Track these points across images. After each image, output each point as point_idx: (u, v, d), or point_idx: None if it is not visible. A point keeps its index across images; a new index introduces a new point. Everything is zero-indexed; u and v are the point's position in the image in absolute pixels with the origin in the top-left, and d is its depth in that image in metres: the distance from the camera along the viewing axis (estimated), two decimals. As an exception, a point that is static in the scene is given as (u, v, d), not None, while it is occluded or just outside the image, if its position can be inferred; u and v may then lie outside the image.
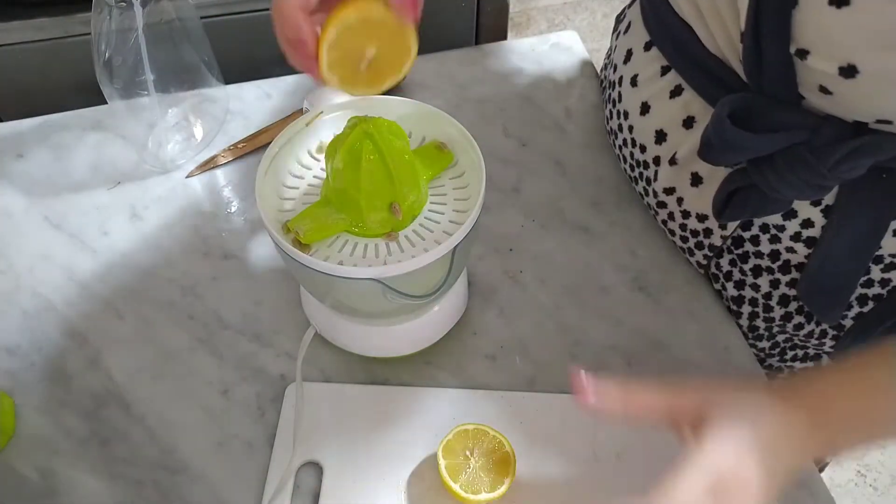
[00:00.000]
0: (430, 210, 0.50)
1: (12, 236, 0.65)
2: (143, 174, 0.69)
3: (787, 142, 0.44)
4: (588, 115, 0.74)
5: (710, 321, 0.60)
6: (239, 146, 0.71)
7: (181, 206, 0.67)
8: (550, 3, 2.23)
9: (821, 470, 0.78)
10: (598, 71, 0.77)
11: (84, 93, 0.71)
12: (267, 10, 0.87)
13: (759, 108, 0.45)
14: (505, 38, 0.97)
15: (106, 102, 0.66)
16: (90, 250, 0.64)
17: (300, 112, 0.71)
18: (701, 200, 0.56)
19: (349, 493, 0.51)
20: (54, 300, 0.61)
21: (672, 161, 0.56)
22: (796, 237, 0.52)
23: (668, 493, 0.40)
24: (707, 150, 0.47)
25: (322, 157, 0.53)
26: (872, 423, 0.44)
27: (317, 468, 0.53)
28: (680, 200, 0.58)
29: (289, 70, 0.76)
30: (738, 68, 0.47)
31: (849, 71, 0.39)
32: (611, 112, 0.65)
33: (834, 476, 1.43)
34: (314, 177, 0.52)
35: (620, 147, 0.65)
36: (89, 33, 0.61)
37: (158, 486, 0.52)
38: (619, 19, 0.67)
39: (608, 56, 0.69)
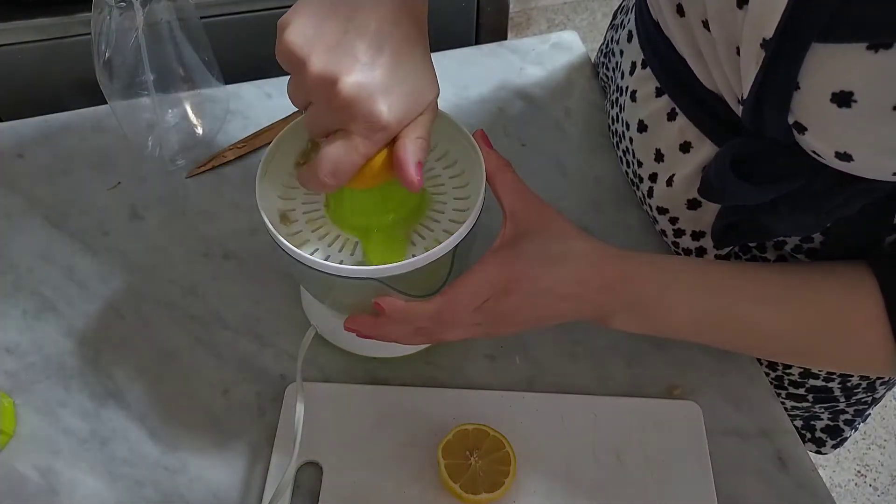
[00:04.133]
0: (430, 210, 0.50)
1: (12, 236, 0.65)
2: (143, 174, 0.69)
3: (787, 189, 0.44)
4: (588, 115, 0.74)
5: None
6: (239, 146, 0.71)
7: (181, 206, 0.67)
8: (550, 3, 2.23)
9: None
10: (597, 66, 0.77)
11: (84, 93, 0.71)
12: (267, 9, 0.88)
13: (760, 155, 0.45)
14: (505, 38, 0.98)
15: (106, 102, 0.66)
16: (90, 250, 0.64)
17: (300, 112, 0.71)
18: (697, 222, 0.56)
19: (349, 493, 0.51)
20: (54, 300, 0.61)
21: (669, 182, 0.56)
22: (797, 250, 0.53)
23: (449, 302, 0.45)
24: (708, 192, 0.48)
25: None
26: (657, 318, 0.48)
27: (317, 468, 0.53)
28: (674, 220, 0.58)
29: (289, 70, 0.76)
30: (736, 108, 0.46)
31: (844, 156, 0.39)
32: (616, 116, 0.64)
33: (834, 476, 1.43)
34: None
35: (624, 151, 0.64)
36: (89, 33, 0.61)
37: (158, 486, 0.52)
38: (616, 13, 0.67)
39: (606, 49, 0.69)
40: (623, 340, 0.59)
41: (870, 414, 0.74)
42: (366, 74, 0.39)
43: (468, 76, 0.78)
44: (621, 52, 0.62)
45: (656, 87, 0.55)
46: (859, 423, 0.75)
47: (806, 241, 0.51)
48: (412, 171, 0.41)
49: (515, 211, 0.48)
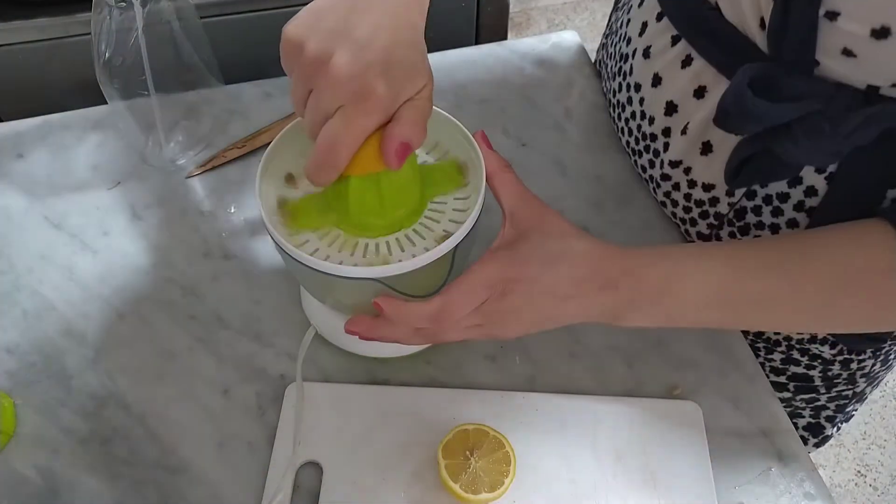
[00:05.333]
0: (430, 210, 0.50)
1: (12, 236, 0.65)
2: (143, 174, 0.69)
3: (803, 110, 0.45)
4: (588, 115, 0.74)
5: (710, 321, 0.60)
6: (239, 146, 0.71)
7: (181, 206, 0.67)
8: (550, 3, 2.23)
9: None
10: (596, 50, 0.78)
11: (84, 93, 0.71)
12: (267, 9, 0.88)
13: (776, 78, 0.46)
14: (505, 38, 0.98)
15: (106, 102, 0.66)
16: (90, 250, 0.64)
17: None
18: (710, 170, 0.56)
19: (349, 493, 0.51)
20: (54, 300, 0.61)
21: (683, 131, 0.57)
22: (799, 206, 0.53)
23: (447, 303, 0.45)
24: (724, 119, 0.48)
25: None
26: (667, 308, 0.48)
27: (317, 468, 0.53)
28: (687, 170, 0.58)
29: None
30: (755, 36, 0.48)
31: (881, 33, 0.40)
32: (620, 85, 0.65)
33: (834, 476, 1.43)
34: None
35: (627, 120, 0.65)
36: (89, 33, 0.61)
37: (158, 486, 0.52)
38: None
39: (609, 31, 0.70)
40: (623, 340, 0.59)
41: (852, 413, 0.75)
42: (360, 53, 0.40)
43: (468, 76, 0.78)
44: (628, 22, 0.63)
45: (672, 37, 0.55)
46: (841, 422, 0.75)
47: (809, 194, 0.51)
48: (392, 147, 0.42)
49: (515, 211, 0.48)
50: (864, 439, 1.47)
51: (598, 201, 0.68)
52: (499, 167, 0.50)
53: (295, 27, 0.42)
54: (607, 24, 0.73)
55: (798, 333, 0.63)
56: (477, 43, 0.98)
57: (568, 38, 0.82)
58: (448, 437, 0.51)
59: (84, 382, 0.57)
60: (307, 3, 0.43)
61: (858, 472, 1.43)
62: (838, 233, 0.47)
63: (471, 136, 0.51)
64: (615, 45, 0.66)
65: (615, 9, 0.70)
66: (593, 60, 0.79)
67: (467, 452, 0.50)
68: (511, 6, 0.98)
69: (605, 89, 0.73)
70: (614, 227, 0.66)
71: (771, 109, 0.45)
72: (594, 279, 0.47)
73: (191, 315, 0.60)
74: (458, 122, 0.51)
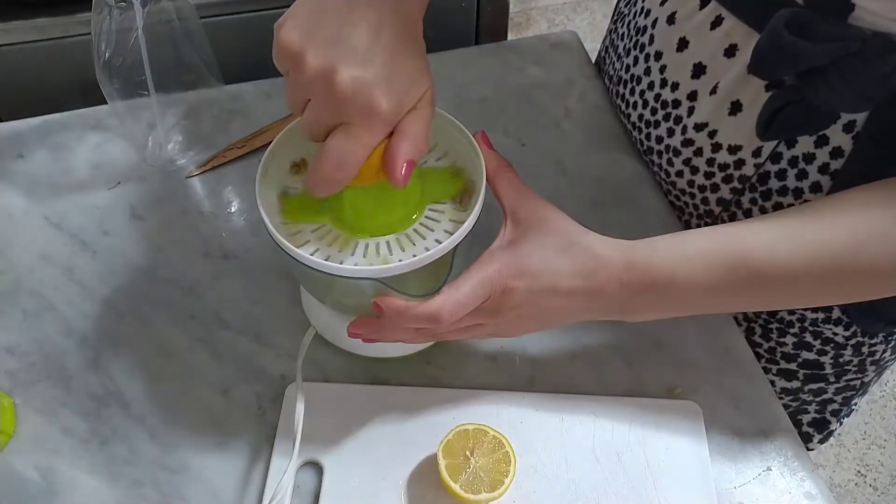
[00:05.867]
0: (429, 210, 0.50)
1: (12, 236, 0.65)
2: (143, 174, 0.69)
3: (839, 52, 0.45)
4: (588, 115, 0.74)
5: (711, 321, 0.60)
6: (239, 146, 0.71)
7: (181, 206, 0.67)
8: (550, 3, 2.23)
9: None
10: (597, 50, 0.78)
11: (84, 93, 0.71)
12: (267, 9, 0.88)
13: (811, 22, 0.46)
14: (505, 38, 0.98)
15: (106, 102, 0.66)
16: (90, 250, 0.64)
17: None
18: (737, 130, 0.56)
19: (349, 493, 0.51)
20: (54, 300, 0.61)
21: (713, 91, 0.56)
22: (824, 168, 0.53)
23: (447, 303, 0.45)
24: (760, 63, 0.48)
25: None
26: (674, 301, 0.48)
27: (317, 468, 0.53)
28: (713, 133, 0.58)
29: (289, 70, 0.76)
30: None
31: None
32: (636, 59, 0.65)
33: (834, 476, 1.43)
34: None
35: (643, 93, 0.65)
36: (89, 33, 0.61)
37: (158, 486, 0.52)
38: None
39: (617, 15, 0.70)
40: (623, 340, 0.59)
41: (856, 406, 0.75)
42: (364, 65, 0.40)
43: (468, 76, 0.78)
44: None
45: (700, 0, 0.55)
46: (844, 416, 0.75)
47: (835, 155, 0.51)
48: (399, 167, 0.42)
49: (516, 210, 0.48)
50: (864, 439, 1.47)
51: (598, 201, 0.68)
52: (499, 167, 0.50)
53: (289, 32, 0.41)
54: (614, 11, 0.73)
55: (812, 313, 0.63)
56: (477, 43, 0.98)
57: (568, 38, 0.82)
58: (448, 437, 0.51)
59: (84, 382, 0.57)
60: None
61: (858, 472, 1.43)
62: (841, 200, 0.47)
63: (471, 136, 0.51)
64: (627, 25, 0.66)
65: None
66: (593, 61, 0.79)
67: (467, 452, 0.50)
68: (511, 6, 0.98)
69: (608, 76, 0.73)
70: (614, 228, 0.65)
71: (808, 48, 0.45)
72: (598, 273, 0.47)
73: (191, 315, 0.60)
74: (458, 123, 0.51)
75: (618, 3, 0.72)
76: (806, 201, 0.55)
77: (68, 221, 0.66)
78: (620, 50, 0.68)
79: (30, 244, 0.65)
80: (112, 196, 0.68)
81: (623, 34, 0.67)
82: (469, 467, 0.50)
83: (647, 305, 0.49)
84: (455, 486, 0.49)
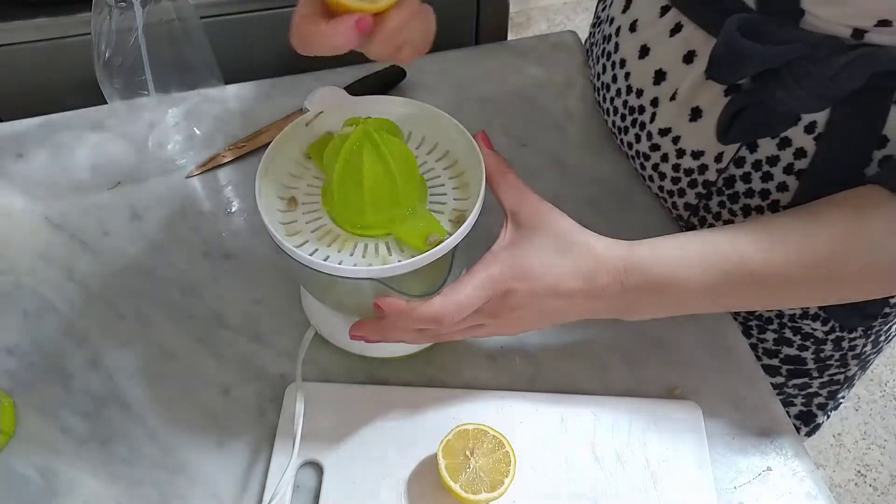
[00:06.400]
0: (430, 210, 0.50)
1: (12, 236, 0.65)
2: (143, 174, 0.69)
3: (791, 54, 0.46)
4: (588, 115, 0.74)
5: (710, 321, 0.60)
6: (239, 146, 0.71)
7: (181, 206, 0.67)
8: (550, 3, 2.23)
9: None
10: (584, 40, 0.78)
11: (84, 93, 0.71)
12: (267, 9, 0.88)
13: (763, 25, 0.47)
14: (505, 38, 0.97)
15: (106, 102, 0.66)
16: (90, 250, 0.64)
17: (300, 112, 0.71)
18: (699, 136, 0.57)
19: (349, 493, 0.51)
20: (54, 300, 0.61)
21: (672, 97, 0.57)
22: (788, 169, 0.53)
23: (449, 303, 0.45)
24: (716, 67, 0.49)
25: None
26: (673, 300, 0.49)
27: (317, 468, 0.53)
28: (676, 139, 0.59)
29: (289, 70, 0.76)
30: None
31: None
32: (604, 67, 0.66)
33: (834, 476, 1.43)
34: (314, 177, 0.52)
35: (612, 100, 0.66)
36: (89, 33, 0.61)
37: (158, 486, 0.52)
38: None
39: (596, 20, 0.71)
40: (623, 340, 0.59)
41: (841, 400, 0.75)
42: None
43: (468, 76, 0.78)
44: (610, 4, 0.65)
45: (661, 7, 0.56)
46: (831, 410, 0.76)
47: (798, 156, 0.52)
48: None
49: (516, 211, 0.49)
50: (864, 439, 1.47)
51: (598, 201, 0.68)
52: (499, 167, 0.50)
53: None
54: (594, 17, 0.74)
55: (790, 309, 0.63)
56: (477, 43, 0.97)
57: (568, 38, 0.82)
58: (448, 437, 0.51)
59: (84, 382, 0.57)
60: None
61: (858, 472, 1.43)
62: (832, 204, 0.47)
63: (471, 136, 0.51)
64: (600, 32, 0.67)
65: (600, 0, 0.71)
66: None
67: (467, 452, 0.50)
68: (511, 6, 0.97)
69: (591, 78, 0.73)
70: (614, 228, 0.65)
71: (761, 51, 0.46)
72: (599, 274, 0.47)
73: (191, 315, 0.60)
74: (458, 123, 0.52)
75: (596, 9, 0.72)
76: (775, 201, 0.56)
77: (68, 221, 0.66)
78: (593, 57, 0.69)
79: (30, 244, 0.65)
80: (112, 196, 0.68)
81: (598, 40, 0.68)
82: (469, 467, 0.50)
83: (647, 306, 0.49)
84: (455, 486, 0.49)
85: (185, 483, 0.52)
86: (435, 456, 0.50)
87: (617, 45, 0.63)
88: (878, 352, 0.69)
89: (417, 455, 0.53)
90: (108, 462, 0.53)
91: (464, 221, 0.47)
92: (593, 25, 0.73)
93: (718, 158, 0.57)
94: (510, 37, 0.97)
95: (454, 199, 0.51)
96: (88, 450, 0.54)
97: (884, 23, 0.44)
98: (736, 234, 0.49)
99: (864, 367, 0.71)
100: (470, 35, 0.96)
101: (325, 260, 0.46)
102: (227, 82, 0.73)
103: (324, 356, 0.58)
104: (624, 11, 0.61)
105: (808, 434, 0.79)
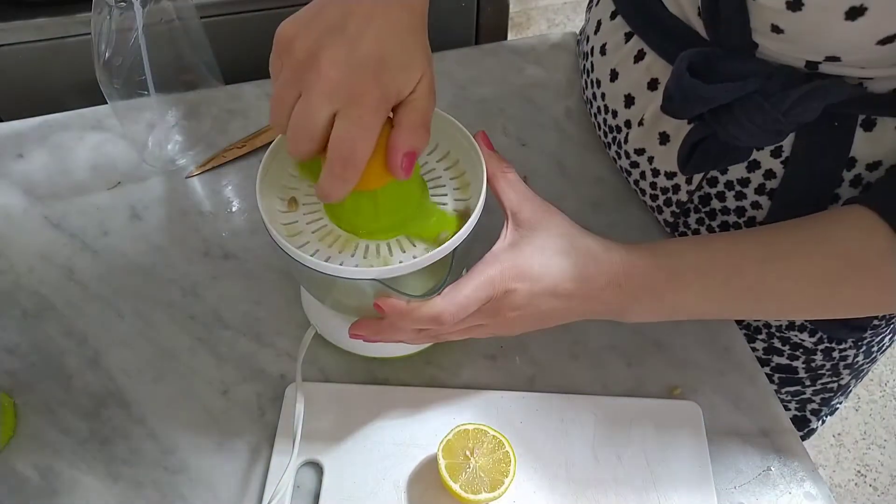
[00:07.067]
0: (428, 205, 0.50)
1: (12, 236, 0.65)
2: (143, 174, 0.69)
3: (741, 90, 0.46)
4: (588, 115, 0.74)
5: (710, 321, 0.60)
6: (239, 146, 0.71)
7: (181, 206, 0.67)
8: (550, 3, 2.23)
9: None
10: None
11: (84, 93, 0.71)
12: (267, 9, 0.88)
13: (716, 61, 0.47)
14: (505, 38, 0.98)
15: (106, 102, 0.66)
16: (90, 250, 0.64)
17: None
18: (669, 158, 0.57)
19: (349, 493, 0.51)
20: (54, 300, 0.61)
21: (640, 123, 0.58)
22: (760, 189, 0.54)
23: (449, 304, 0.45)
24: (668, 104, 0.49)
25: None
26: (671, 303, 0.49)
27: (317, 468, 0.53)
28: (651, 159, 0.60)
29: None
30: (697, 24, 0.50)
31: (795, 4, 0.41)
32: (586, 82, 0.67)
33: (834, 476, 1.43)
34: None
35: (595, 115, 0.67)
36: (89, 33, 0.61)
37: (158, 486, 0.52)
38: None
39: (582, 30, 0.71)
40: (623, 340, 0.59)
41: (837, 406, 0.75)
42: (351, 49, 0.39)
43: (468, 76, 0.78)
44: (588, 19, 0.65)
45: (625, 33, 0.57)
46: (826, 416, 0.76)
47: (768, 177, 0.52)
48: (398, 159, 0.42)
49: (517, 211, 0.49)
50: (864, 439, 1.47)
51: (598, 201, 0.68)
52: (499, 168, 0.50)
53: (287, 26, 0.41)
54: (579, 31, 0.75)
55: (776, 320, 0.64)
56: (477, 43, 0.98)
57: (568, 38, 0.82)
58: (448, 437, 0.51)
59: (84, 382, 0.57)
60: (307, 2, 0.42)
61: (858, 472, 1.43)
62: (830, 222, 0.47)
63: (471, 136, 0.51)
64: (581, 48, 0.68)
65: (587, 10, 0.71)
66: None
67: (467, 452, 0.50)
68: (511, 6, 0.98)
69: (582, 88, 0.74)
70: (614, 227, 0.66)
71: (709, 90, 0.46)
72: (598, 277, 0.47)
73: (191, 315, 0.60)
74: (458, 123, 0.51)
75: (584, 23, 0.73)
76: (751, 218, 0.56)
77: (68, 221, 0.66)
78: (580, 69, 0.70)
79: (30, 244, 0.65)
80: (112, 196, 0.68)
81: (581, 55, 0.69)
82: (469, 467, 0.50)
83: (644, 309, 0.49)
84: (455, 486, 0.49)
85: (185, 483, 0.52)
86: (435, 456, 0.50)
87: (593, 64, 0.64)
88: (873, 361, 0.69)
89: (417, 455, 0.53)
90: (108, 462, 0.53)
91: (464, 222, 0.47)
92: (578, 41, 0.73)
93: (689, 181, 0.57)
94: (510, 37, 0.97)
95: (455, 200, 0.51)
96: (88, 450, 0.54)
97: (832, 58, 0.44)
98: (735, 241, 0.49)
99: (857, 376, 0.70)
100: (470, 35, 0.96)
101: (325, 261, 0.46)
102: (227, 82, 0.73)
103: (324, 356, 0.58)
104: (596, 33, 0.62)
105: (803, 438, 0.79)
